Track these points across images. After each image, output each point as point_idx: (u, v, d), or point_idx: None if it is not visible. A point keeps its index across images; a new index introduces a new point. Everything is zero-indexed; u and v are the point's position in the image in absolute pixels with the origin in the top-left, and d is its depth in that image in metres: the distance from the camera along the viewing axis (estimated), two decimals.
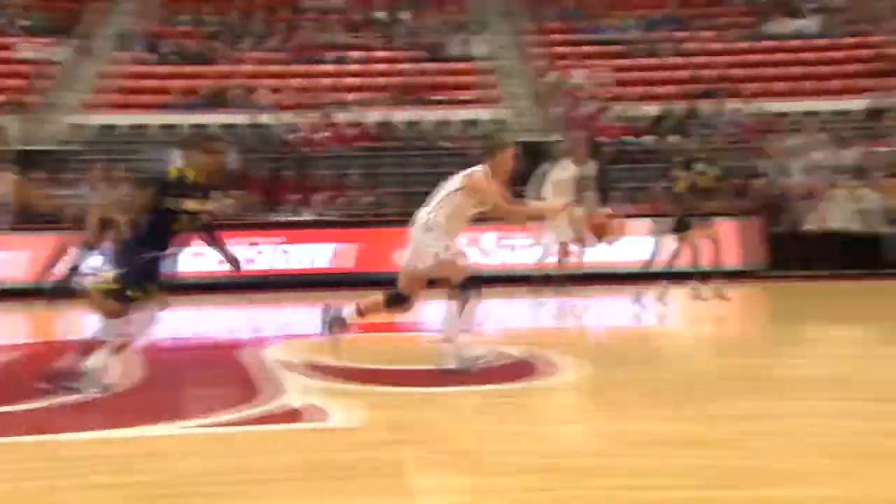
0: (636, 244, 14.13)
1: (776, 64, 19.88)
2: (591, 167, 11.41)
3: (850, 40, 20.50)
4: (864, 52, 19.98)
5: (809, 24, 20.82)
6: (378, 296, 6.70)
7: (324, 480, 3.92)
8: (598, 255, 14.48)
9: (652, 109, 17.94)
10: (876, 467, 4.02)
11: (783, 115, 18.02)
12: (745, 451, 4.33)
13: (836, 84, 19.06)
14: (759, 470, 4.01)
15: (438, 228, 6.43)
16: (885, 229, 14.50)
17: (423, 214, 6.55)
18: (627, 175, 15.68)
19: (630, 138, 17.23)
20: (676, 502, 3.66)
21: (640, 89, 18.92)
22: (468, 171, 6.59)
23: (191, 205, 6.00)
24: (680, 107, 17.97)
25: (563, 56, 20.18)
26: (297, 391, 5.76)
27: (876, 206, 14.71)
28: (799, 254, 14.51)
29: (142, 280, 5.94)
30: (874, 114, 17.93)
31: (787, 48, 20.28)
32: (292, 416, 5.13)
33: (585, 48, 20.52)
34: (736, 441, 4.54)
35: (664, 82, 19.27)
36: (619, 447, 4.47)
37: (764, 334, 9.36)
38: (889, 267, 14.21)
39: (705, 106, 18.01)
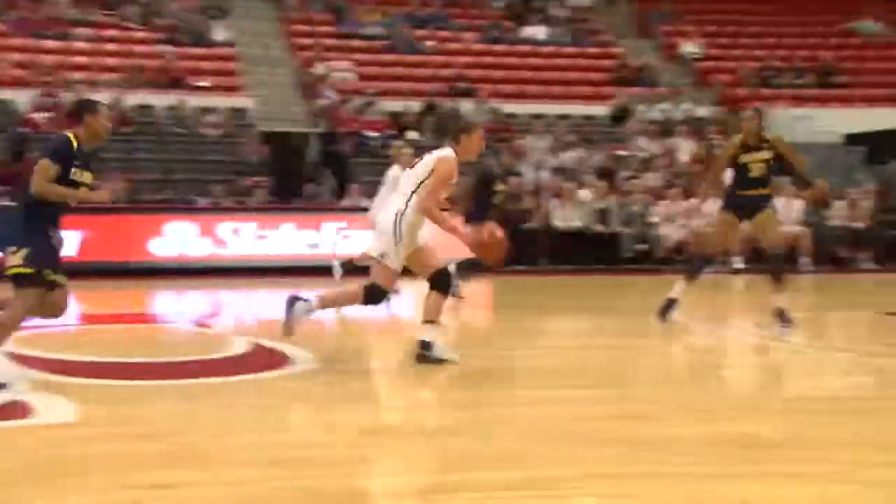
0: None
1: (529, 68, 20.85)
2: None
3: (596, 50, 21.88)
4: (608, 62, 21.38)
5: (560, 31, 22.01)
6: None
7: (38, 481, 3.72)
8: (345, 248, 14.75)
9: (409, 105, 18.30)
10: (592, 449, 4.32)
11: (537, 116, 18.93)
12: (473, 438, 4.51)
13: (583, 89, 20.25)
14: (485, 455, 4.19)
15: (407, 228, 6.15)
16: (621, 228, 15.62)
17: (397, 204, 6.23)
18: (371, 169, 15.99)
19: (388, 132, 17.49)
20: (401, 489, 3.79)
21: (394, 84, 19.17)
22: (436, 154, 6.28)
23: (78, 174, 5.39)
24: (437, 103, 18.47)
25: (314, 47, 20.05)
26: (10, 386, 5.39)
27: (614, 207, 15.79)
28: (542, 250, 15.36)
29: (54, 261, 5.36)
30: (616, 119, 19.26)
31: (540, 53, 21.32)
32: (3, 412, 4.83)
33: (339, 41, 20.53)
34: (466, 428, 4.73)
35: (419, 79, 19.66)
36: (348, 437, 4.52)
37: (500, 326, 9.82)
38: (624, 263, 15.36)
39: (460, 103, 18.62)
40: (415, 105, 18.23)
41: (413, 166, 6.40)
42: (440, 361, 6.24)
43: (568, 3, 23.09)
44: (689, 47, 21.94)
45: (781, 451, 4.37)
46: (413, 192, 6.23)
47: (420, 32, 21.15)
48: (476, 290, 11.95)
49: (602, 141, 18.12)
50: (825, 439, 4.59)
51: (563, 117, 18.97)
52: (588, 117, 19.48)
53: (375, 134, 17.41)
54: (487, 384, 5.93)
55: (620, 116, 19.15)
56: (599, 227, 15.58)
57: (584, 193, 15.82)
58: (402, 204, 6.24)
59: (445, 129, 6.37)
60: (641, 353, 7.48)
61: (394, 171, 10.74)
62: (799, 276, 13.53)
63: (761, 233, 8.47)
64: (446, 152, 6.30)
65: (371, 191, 15.48)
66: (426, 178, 6.22)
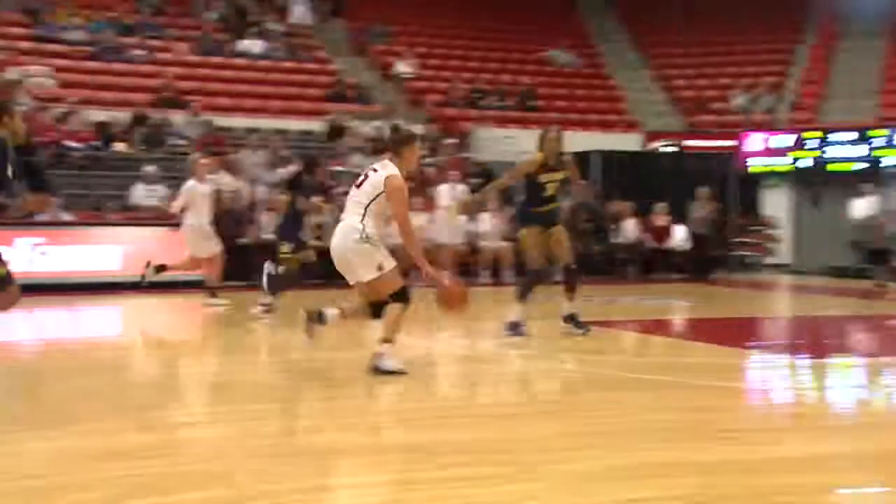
0: (104, 253, 13.94)
1: (245, 81, 20.70)
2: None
3: (313, 66, 22.12)
4: (326, 78, 21.69)
5: (278, 46, 22.05)
6: (360, 303, 6.55)
7: None
8: (65, 265, 14.01)
9: (116, 115, 17.63)
10: (289, 464, 4.39)
11: (252, 130, 18.82)
12: (171, 458, 4.49)
13: (301, 105, 20.39)
14: (183, 474, 4.19)
15: (373, 237, 6.25)
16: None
17: (352, 223, 6.27)
18: (72, 181, 15.41)
19: (77, 144, 16.71)
20: None
21: (98, 93, 18.35)
22: (384, 171, 6.28)
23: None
24: (147, 115, 17.92)
25: (9, 50, 18.80)
26: None
27: (331, 221, 16.04)
28: (258, 266, 15.27)
29: None
30: (332, 135, 19.57)
31: (257, 67, 21.23)
32: None
33: (37, 45, 19.39)
34: (161, 448, 4.69)
35: (127, 88, 18.96)
36: (50, 465, 4.36)
37: (214, 342, 9.79)
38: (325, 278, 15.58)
39: (167, 115, 18.17)
40: (122, 115, 17.59)
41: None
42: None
43: (285, 19, 23.19)
44: (403, 67, 22.73)
45: (470, 455, 4.61)
46: (367, 207, 6.33)
47: (128, 40, 20.39)
48: (200, 308, 11.82)
49: (319, 157, 18.30)
50: (511, 441, 4.91)
51: (280, 132, 19.02)
52: (305, 132, 19.65)
53: (78, 145, 16.61)
54: (181, 401, 5.91)
55: (336, 132, 19.47)
56: (317, 242, 15.74)
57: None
58: (357, 222, 6.32)
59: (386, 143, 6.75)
60: (351, 365, 7.68)
61: (191, 185, 11.12)
62: (506, 287, 14.34)
63: (557, 246, 8.81)
64: (392, 169, 6.38)
65: (72, 202, 14.83)
66: (378, 195, 6.31)
